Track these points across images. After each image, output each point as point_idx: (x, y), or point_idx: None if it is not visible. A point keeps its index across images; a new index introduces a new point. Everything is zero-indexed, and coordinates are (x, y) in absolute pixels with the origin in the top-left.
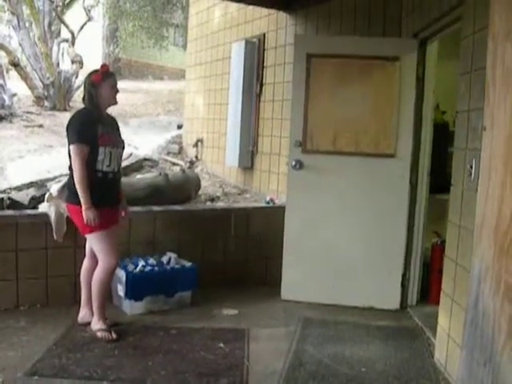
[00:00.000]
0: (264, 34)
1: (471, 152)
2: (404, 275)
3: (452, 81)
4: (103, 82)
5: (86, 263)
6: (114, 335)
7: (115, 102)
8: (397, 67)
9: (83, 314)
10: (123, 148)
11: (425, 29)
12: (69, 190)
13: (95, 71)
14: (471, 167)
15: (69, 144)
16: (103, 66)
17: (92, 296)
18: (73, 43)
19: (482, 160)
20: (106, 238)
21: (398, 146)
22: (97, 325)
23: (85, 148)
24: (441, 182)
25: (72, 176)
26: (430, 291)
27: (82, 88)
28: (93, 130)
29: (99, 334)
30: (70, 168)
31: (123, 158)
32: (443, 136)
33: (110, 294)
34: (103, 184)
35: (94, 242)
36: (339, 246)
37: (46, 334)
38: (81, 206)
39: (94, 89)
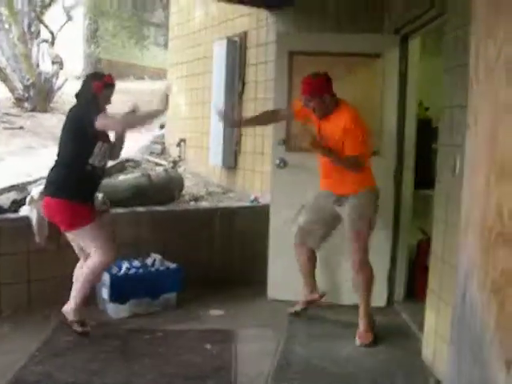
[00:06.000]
0: (245, 33)
1: (455, 148)
2: (390, 272)
3: (435, 77)
4: (101, 91)
5: (82, 262)
6: (88, 328)
7: (104, 110)
8: (379, 64)
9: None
10: (110, 145)
11: (406, 25)
12: (56, 184)
13: (99, 76)
14: (455, 163)
15: (82, 128)
16: (108, 76)
17: (78, 285)
18: (52, 44)
19: (466, 156)
20: (98, 230)
21: (382, 143)
22: (75, 315)
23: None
24: (424, 177)
25: (60, 169)
26: (416, 288)
27: (62, 89)
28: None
29: (76, 326)
30: (59, 160)
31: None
32: (427, 132)
33: (94, 296)
34: (90, 179)
35: (86, 237)
36: (324, 244)
37: (29, 339)
38: (70, 201)
39: (91, 95)
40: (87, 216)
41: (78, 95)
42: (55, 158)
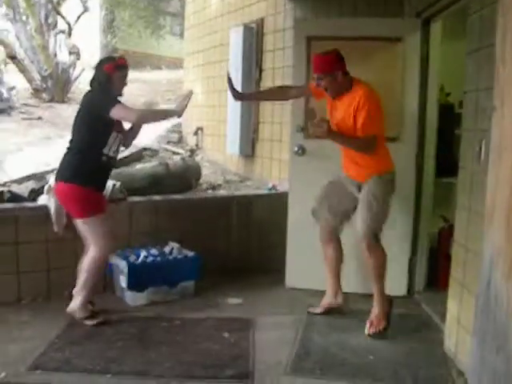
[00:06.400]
0: (262, 19)
1: (480, 133)
2: (411, 260)
3: (456, 61)
4: (114, 73)
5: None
6: (101, 318)
7: (121, 94)
8: (400, 48)
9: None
10: (123, 136)
11: (428, 7)
12: (70, 170)
13: (110, 59)
14: (480, 149)
15: (97, 117)
16: (121, 58)
17: (83, 282)
18: (69, 35)
19: (492, 140)
20: (104, 222)
21: (403, 129)
22: (83, 312)
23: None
24: (446, 165)
25: (74, 155)
26: (437, 277)
27: (79, 79)
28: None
29: (88, 321)
30: (72, 147)
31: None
32: (448, 118)
33: (112, 283)
34: (105, 169)
35: (91, 227)
36: (344, 232)
37: (49, 327)
38: (83, 187)
39: (105, 77)
40: (98, 206)
41: (92, 81)
42: (68, 144)
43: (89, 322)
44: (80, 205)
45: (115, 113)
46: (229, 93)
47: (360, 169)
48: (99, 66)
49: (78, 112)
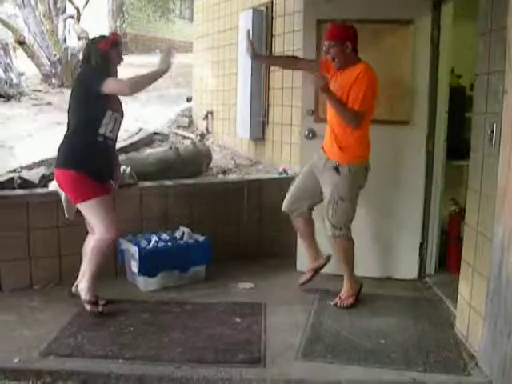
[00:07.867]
0: (272, 2)
1: (491, 116)
2: (422, 244)
3: (467, 44)
4: (110, 50)
5: (90, 237)
6: (101, 308)
7: (116, 72)
8: (411, 30)
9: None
10: (123, 117)
11: None
12: (64, 155)
13: (102, 37)
14: (492, 132)
15: (89, 94)
16: (113, 34)
17: (87, 265)
18: (78, 19)
19: (504, 124)
20: (103, 206)
21: (414, 112)
22: (87, 295)
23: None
24: (457, 147)
25: (69, 139)
26: (448, 260)
27: None
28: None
29: (87, 305)
30: (68, 131)
31: (132, 132)
32: (459, 101)
33: (124, 269)
34: (102, 151)
35: (89, 212)
36: (355, 216)
37: (60, 313)
38: (76, 172)
39: (101, 56)
40: (92, 190)
41: (84, 60)
42: (66, 129)
43: (87, 307)
44: (75, 190)
45: (106, 87)
46: (239, 77)
47: (339, 149)
48: (93, 46)
49: (71, 95)
